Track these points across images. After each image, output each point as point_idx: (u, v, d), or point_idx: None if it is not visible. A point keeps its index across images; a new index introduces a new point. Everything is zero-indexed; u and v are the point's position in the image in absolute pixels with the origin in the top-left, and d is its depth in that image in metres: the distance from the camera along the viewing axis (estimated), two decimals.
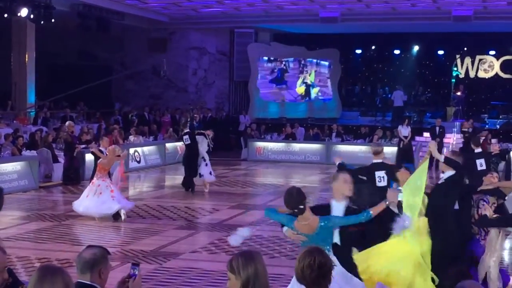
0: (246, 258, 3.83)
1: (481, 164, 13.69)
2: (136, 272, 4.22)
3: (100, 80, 27.83)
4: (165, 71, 29.16)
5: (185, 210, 15.78)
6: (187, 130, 19.05)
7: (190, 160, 18.67)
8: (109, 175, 14.97)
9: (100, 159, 14.70)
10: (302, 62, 34.16)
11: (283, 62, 33.74)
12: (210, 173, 18.73)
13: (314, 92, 34.58)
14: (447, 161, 8.08)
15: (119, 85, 33.08)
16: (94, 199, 14.18)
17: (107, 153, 14.74)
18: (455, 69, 33.50)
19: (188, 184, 18.65)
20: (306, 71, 34.31)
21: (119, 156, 14.95)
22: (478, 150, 14.71)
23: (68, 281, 3.70)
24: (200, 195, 18.28)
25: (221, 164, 24.88)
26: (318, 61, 34.48)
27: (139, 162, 24.13)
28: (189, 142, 18.61)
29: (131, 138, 24.64)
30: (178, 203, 16.86)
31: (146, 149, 24.88)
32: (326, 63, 34.65)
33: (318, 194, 19.01)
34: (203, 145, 18.70)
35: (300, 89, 34.33)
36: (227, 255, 11.50)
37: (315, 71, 34.56)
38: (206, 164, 18.59)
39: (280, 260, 11.23)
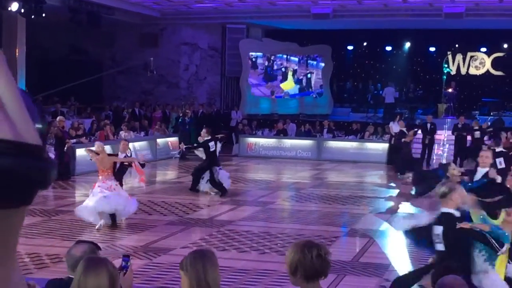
0: (195, 257, 3.93)
1: (500, 162, 13.63)
2: (128, 264, 4.24)
3: (91, 74, 27.69)
4: (152, 70, 29.17)
5: (176, 206, 15.76)
6: (208, 137, 17.84)
7: (213, 166, 17.61)
8: (116, 176, 14.24)
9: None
10: (272, 58, 34.06)
11: (251, 58, 33.67)
12: (228, 177, 18.11)
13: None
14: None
15: (110, 80, 32.98)
16: (97, 198, 12.97)
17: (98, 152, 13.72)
18: (446, 66, 33.52)
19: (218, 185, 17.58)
20: (281, 65, 34.27)
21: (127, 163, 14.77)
22: (499, 149, 14.78)
23: (113, 272, 3.77)
24: (191, 191, 18.24)
25: None
26: (289, 56, 34.33)
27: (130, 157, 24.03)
28: (214, 148, 17.67)
29: (122, 133, 24.57)
30: (169, 198, 16.84)
31: (137, 144, 24.82)
32: (296, 59, 34.46)
33: (309, 190, 19.02)
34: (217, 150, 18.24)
35: (287, 85, 34.25)
36: (218, 250, 11.49)
37: (294, 69, 34.46)
38: (221, 168, 17.93)
39: (271, 256, 11.22)
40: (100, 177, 13.55)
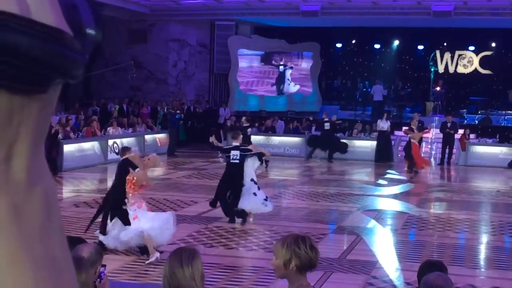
0: (169, 255, 4.05)
1: None
2: (104, 271, 4.24)
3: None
4: (132, 75, 29.16)
5: (164, 202, 15.74)
6: (236, 143, 14.17)
7: (234, 183, 13.77)
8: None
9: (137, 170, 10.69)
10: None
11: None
12: (266, 200, 13.70)
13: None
14: None
15: (99, 76, 32.82)
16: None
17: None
18: (432, 64, 33.66)
19: (230, 212, 13.66)
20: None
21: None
22: None
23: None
24: (179, 188, 18.23)
25: (200, 156, 24.88)
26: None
27: (118, 153, 23.97)
28: (237, 161, 13.88)
29: (110, 130, 24.53)
30: (157, 195, 16.79)
31: (125, 140, 24.76)
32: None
33: (297, 188, 19.03)
34: (254, 163, 14.30)
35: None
36: (206, 247, 11.49)
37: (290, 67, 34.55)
38: (256, 192, 13.67)
39: (259, 252, 11.23)
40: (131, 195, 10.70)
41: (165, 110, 28.80)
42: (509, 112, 31.01)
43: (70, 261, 0.71)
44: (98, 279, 4.20)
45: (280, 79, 33.98)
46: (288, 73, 34.05)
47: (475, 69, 33.53)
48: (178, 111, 27.72)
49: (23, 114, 0.63)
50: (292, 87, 34.22)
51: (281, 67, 34.06)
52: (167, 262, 3.93)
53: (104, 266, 4.33)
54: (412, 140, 23.56)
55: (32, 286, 0.63)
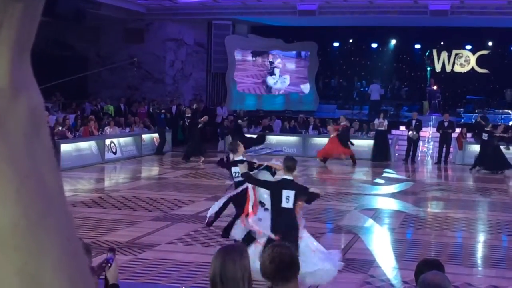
0: (218, 251, 3.95)
1: None
2: (112, 257, 4.32)
3: (76, 70, 27.59)
4: (134, 71, 29.22)
5: (161, 202, 15.73)
6: (240, 157, 11.29)
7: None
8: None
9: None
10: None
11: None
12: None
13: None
14: None
15: (95, 76, 32.77)
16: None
17: None
18: (427, 62, 33.67)
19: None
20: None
21: None
22: None
23: None
24: (176, 187, 18.22)
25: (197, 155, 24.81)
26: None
27: (115, 153, 24.00)
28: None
29: (107, 129, 24.50)
30: (154, 194, 16.81)
31: (122, 140, 24.76)
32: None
33: None
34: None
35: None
36: (203, 246, 11.49)
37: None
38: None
39: None
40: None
41: (151, 110, 28.78)
42: (506, 111, 31.06)
43: (61, 185, 0.68)
44: (108, 265, 4.29)
45: (275, 77, 34.06)
46: (278, 71, 34.15)
47: (472, 68, 33.57)
48: (163, 111, 27.70)
49: (6, 14, 0.61)
50: (282, 84, 34.30)
51: (275, 64, 34.11)
52: (216, 256, 3.89)
53: (113, 251, 4.42)
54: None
55: (15, 197, 0.60)
